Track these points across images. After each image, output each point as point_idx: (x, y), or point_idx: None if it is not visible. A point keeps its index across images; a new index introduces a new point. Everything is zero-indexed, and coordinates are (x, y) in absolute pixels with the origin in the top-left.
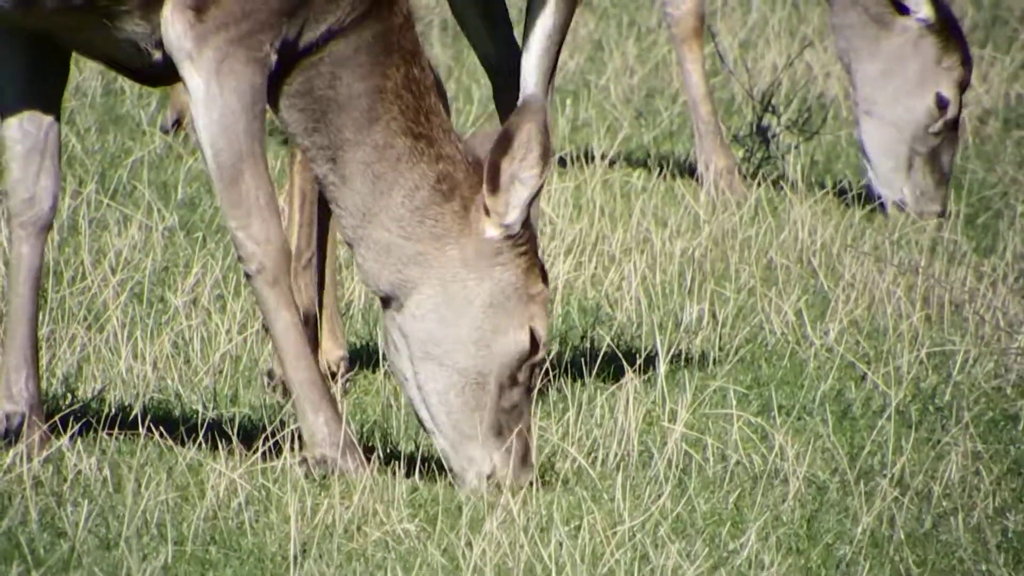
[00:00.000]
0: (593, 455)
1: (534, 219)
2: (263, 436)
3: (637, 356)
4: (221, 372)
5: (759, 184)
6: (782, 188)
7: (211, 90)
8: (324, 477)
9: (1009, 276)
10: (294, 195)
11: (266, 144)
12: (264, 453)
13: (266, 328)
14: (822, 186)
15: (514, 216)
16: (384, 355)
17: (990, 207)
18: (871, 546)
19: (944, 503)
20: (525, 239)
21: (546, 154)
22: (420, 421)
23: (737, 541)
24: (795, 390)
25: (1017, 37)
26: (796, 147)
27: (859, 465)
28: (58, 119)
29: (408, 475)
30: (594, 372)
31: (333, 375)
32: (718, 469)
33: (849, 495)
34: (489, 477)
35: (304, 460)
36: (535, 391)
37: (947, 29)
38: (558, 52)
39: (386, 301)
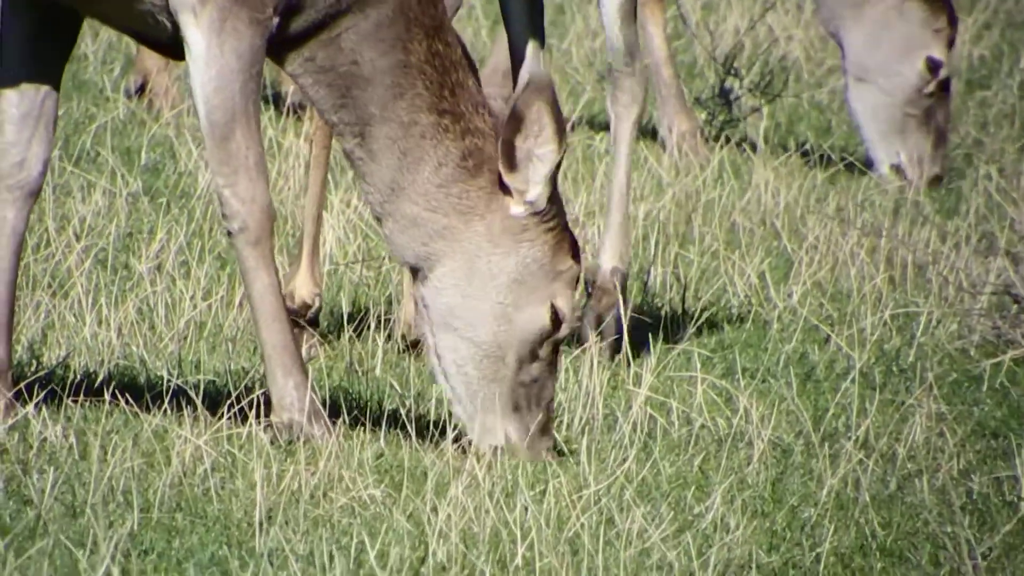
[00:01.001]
0: (558, 419)
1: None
2: (228, 403)
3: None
4: (186, 339)
5: (722, 147)
6: (745, 151)
7: (211, 47)
8: (290, 442)
9: (972, 237)
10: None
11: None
12: (229, 420)
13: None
14: (785, 149)
15: (536, 192)
16: (348, 320)
17: (953, 168)
18: (836, 508)
19: (909, 465)
20: (553, 214)
21: (561, 129)
22: (444, 392)
23: (702, 504)
24: (759, 353)
25: None
26: (758, 110)
27: (823, 427)
28: (57, 88)
29: (373, 441)
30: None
31: (307, 311)
32: (683, 432)
33: (814, 457)
34: (504, 448)
35: (270, 424)
36: (560, 368)
37: None
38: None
39: (414, 272)
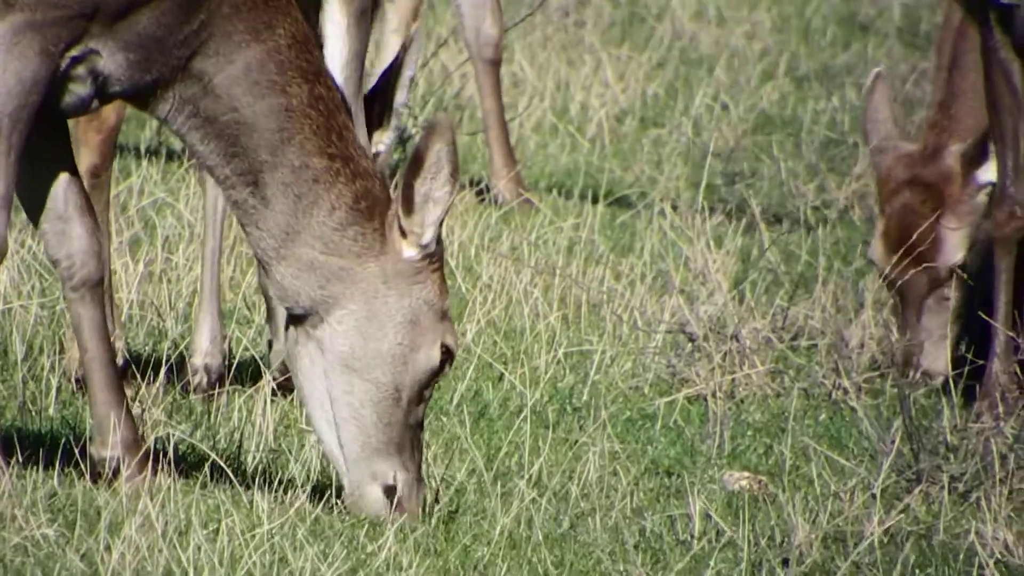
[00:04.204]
0: (232, 458)
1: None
2: None
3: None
4: None
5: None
6: None
7: None
8: None
9: (647, 275)
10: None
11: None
12: None
13: None
14: (461, 187)
15: (430, 235)
16: (23, 359)
17: (627, 206)
18: (509, 547)
19: (582, 503)
20: (438, 257)
21: (455, 172)
22: (319, 437)
23: (375, 543)
24: (433, 391)
25: (653, 35)
26: None
27: (496, 466)
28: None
29: (47, 480)
30: (231, 373)
31: None
32: None
33: (486, 496)
34: (389, 493)
35: None
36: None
37: None
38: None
39: (299, 319)
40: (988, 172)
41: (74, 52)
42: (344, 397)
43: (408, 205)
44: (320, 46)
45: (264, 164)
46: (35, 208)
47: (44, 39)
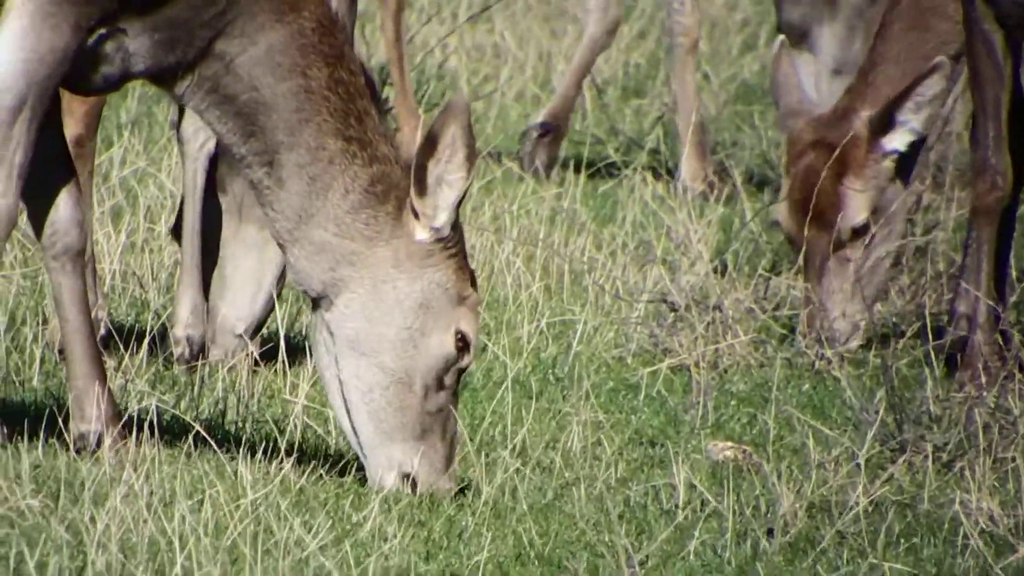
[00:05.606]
0: (216, 429)
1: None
2: None
3: (265, 328)
4: None
5: None
6: None
7: (30, 31)
8: None
9: (629, 245)
10: None
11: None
12: None
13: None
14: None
15: (443, 219)
16: (6, 330)
17: (609, 176)
18: (494, 517)
19: (566, 473)
20: (455, 241)
21: (471, 155)
22: (338, 421)
23: (360, 513)
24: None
25: (635, 7)
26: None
27: (480, 436)
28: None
29: (31, 451)
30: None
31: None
32: (340, 442)
33: (470, 466)
34: (407, 479)
35: None
36: (459, 396)
37: None
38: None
39: (316, 302)
40: (894, 140)
41: (103, 29)
42: (352, 381)
43: (421, 186)
44: (345, 29)
45: (281, 145)
46: None
47: (78, 13)
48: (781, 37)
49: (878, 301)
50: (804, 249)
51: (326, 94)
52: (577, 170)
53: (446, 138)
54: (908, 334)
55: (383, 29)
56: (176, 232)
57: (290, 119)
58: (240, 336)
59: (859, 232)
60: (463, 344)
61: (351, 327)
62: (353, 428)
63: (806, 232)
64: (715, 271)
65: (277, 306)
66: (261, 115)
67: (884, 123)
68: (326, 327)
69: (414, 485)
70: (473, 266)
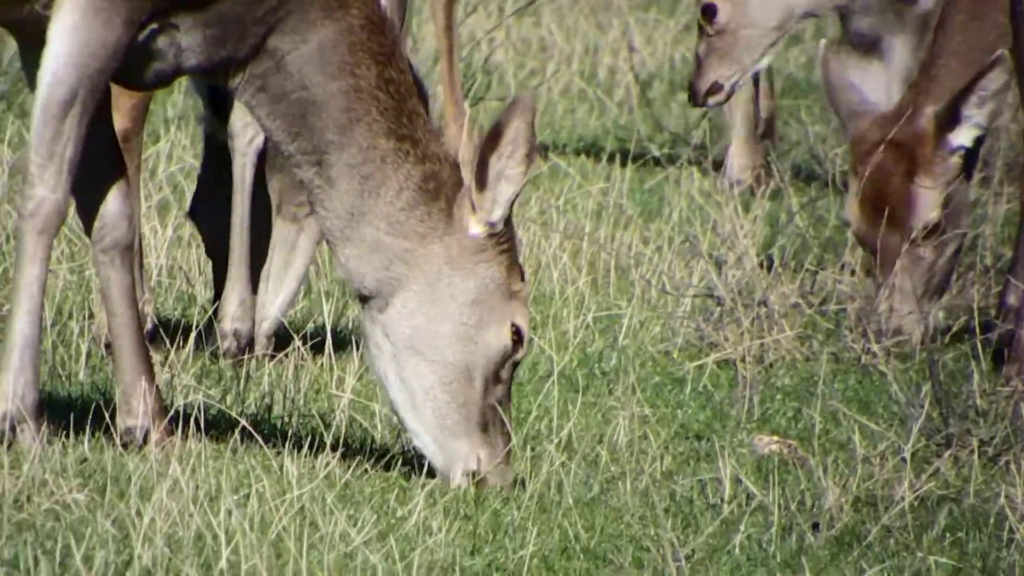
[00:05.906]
0: (262, 423)
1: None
2: None
3: (305, 323)
4: None
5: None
6: None
7: (82, 25)
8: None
9: (675, 240)
10: None
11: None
12: None
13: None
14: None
15: (499, 213)
16: (52, 324)
17: (656, 170)
18: (539, 511)
19: (612, 467)
20: (507, 237)
21: (532, 152)
22: (402, 422)
23: (405, 507)
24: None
25: (681, 1)
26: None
27: (526, 430)
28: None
29: (77, 445)
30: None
31: None
32: (386, 436)
33: (516, 460)
34: (474, 474)
35: None
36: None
37: None
38: None
39: (366, 300)
40: (960, 136)
41: (155, 24)
42: (414, 380)
43: (481, 180)
44: (394, 27)
45: (331, 144)
46: None
47: (130, 8)
48: (823, 40)
49: (944, 296)
50: (877, 248)
51: (376, 93)
52: (623, 164)
53: (509, 133)
54: (955, 328)
55: (433, 17)
56: (192, 214)
57: (340, 118)
58: (268, 337)
59: (931, 229)
60: (518, 337)
61: (409, 326)
62: (417, 427)
63: (879, 231)
64: (761, 266)
65: (324, 301)
66: (310, 115)
67: (950, 119)
68: (381, 328)
69: (480, 479)
70: (521, 260)
